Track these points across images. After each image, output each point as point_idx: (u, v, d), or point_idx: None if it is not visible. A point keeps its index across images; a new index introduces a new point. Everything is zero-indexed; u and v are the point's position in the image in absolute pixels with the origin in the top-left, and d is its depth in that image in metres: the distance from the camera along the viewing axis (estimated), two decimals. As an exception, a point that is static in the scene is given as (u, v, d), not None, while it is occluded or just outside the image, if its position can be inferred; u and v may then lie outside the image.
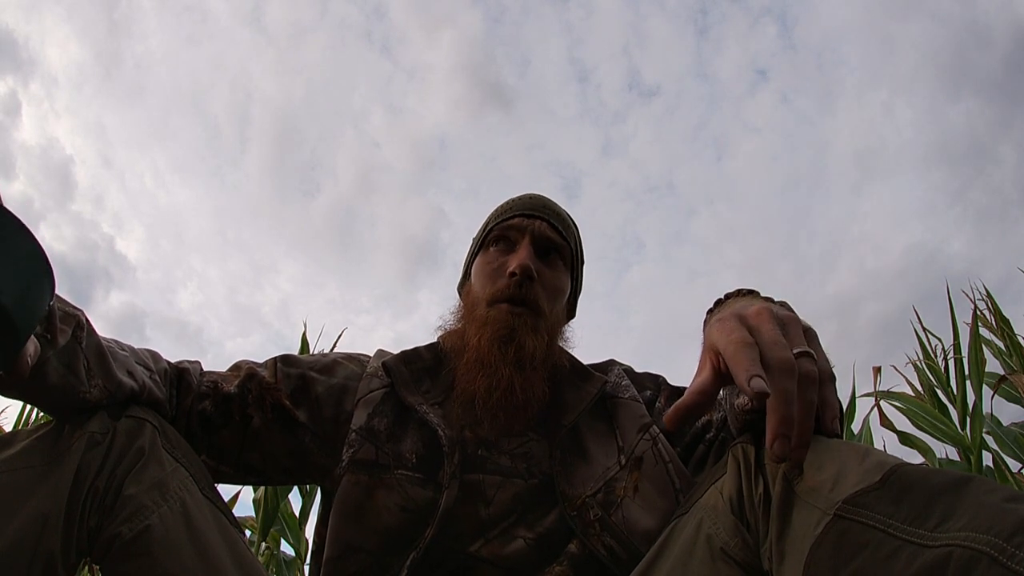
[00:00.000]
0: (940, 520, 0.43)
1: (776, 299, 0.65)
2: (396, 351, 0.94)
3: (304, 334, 2.32)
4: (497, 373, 0.82)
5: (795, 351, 0.47)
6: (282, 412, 0.84)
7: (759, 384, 0.44)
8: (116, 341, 0.77)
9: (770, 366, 0.46)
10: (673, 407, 0.51)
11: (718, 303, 0.68)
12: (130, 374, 0.73)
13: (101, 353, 0.69)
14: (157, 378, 0.79)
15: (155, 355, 0.83)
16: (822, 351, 0.51)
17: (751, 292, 0.66)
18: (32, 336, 0.55)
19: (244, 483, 0.91)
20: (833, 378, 0.49)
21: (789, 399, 0.44)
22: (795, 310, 0.65)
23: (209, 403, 0.82)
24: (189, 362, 0.87)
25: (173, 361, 0.85)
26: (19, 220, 0.48)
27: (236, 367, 0.89)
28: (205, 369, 0.88)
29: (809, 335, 0.52)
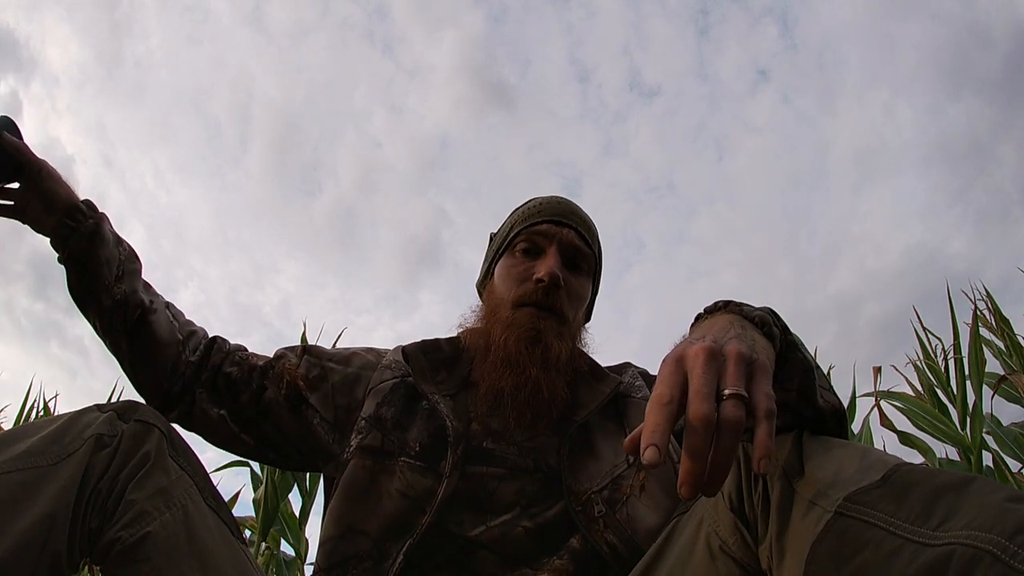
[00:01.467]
0: (942, 519, 0.43)
1: (757, 307, 0.62)
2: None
3: (304, 334, 2.33)
4: (525, 372, 0.84)
5: (726, 392, 0.46)
6: (295, 391, 0.91)
7: (649, 456, 0.44)
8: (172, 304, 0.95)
9: (687, 419, 0.46)
10: (629, 437, 0.49)
11: (698, 318, 0.65)
12: (151, 301, 0.89)
13: (135, 272, 0.89)
14: (180, 335, 0.91)
15: (194, 324, 0.96)
16: (766, 386, 0.48)
17: (727, 304, 0.63)
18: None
19: (265, 459, 0.99)
20: (772, 415, 0.46)
21: (697, 456, 0.44)
22: (780, 315, 0.62)
23: (236, 369, 0.92)
24: (234, 343, 0.99)
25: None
26: None
27: (273, 354, 0.97)
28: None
29: (755, 367, 0.49)
